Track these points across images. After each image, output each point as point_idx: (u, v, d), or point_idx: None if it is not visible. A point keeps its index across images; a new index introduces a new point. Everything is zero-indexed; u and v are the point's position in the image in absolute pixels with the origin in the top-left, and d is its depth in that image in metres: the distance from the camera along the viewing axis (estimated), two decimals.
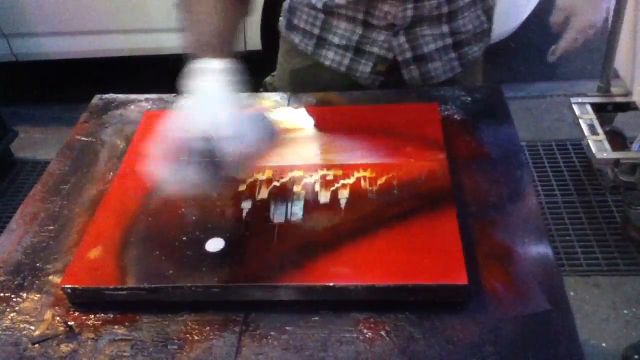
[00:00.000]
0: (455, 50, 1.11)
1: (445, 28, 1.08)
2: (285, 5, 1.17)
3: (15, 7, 2.63)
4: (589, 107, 1.98)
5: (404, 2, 1.01)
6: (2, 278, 0.81)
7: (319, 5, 1.07)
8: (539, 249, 0.78)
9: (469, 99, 1.06)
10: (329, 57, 1.11)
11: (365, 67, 1.10)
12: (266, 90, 1.27)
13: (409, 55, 1.08)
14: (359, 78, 1.11)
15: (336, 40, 1.09)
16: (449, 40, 1.09)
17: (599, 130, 1.88)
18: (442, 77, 1.12)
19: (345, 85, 1.12)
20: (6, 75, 2.87)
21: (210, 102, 0.75)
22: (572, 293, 1.75)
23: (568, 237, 1.94)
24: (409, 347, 0.68)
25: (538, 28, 3.00)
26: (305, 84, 1.15)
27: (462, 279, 0.71)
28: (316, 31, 1.11)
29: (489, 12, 1.14)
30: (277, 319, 0.73)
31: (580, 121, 1.93)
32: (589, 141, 1.86)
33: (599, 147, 1.83)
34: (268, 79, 1.23)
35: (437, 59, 1.10)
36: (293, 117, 1.02)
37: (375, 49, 1.08)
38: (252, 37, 2.60)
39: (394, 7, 1.02)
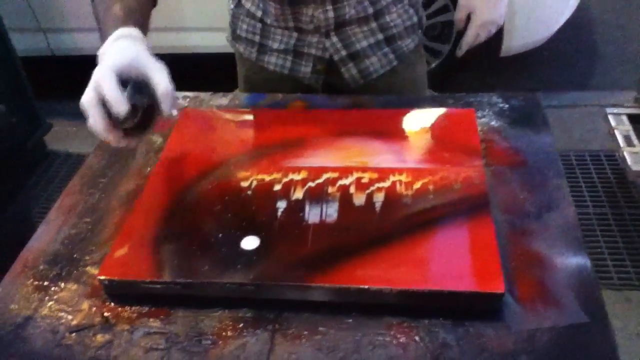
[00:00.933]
0: (388, 45, 1.16)
1: (374, 24, 1.13)
2: (229, 17, 1.23)
3: (53, 3, 2.68)
4: (625, 118, 1.95)
5: (323, 4, 1.07)
6: (41, 267, 0.82)
7: (258, 14, 1.14)
8: (576, 260, 0.77)
9: (506, 105, 1.05)
10: (272, 61, 1.18)
11: (306, 68, 1.16)
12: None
13: (343, 53, 1.14)
14: (303, 79, 1.18)
15: (276, 45, 1.16)
16: (380, 36, 1.14)
17: (636, 142, 1.85)
18: (381, 71, 1.17)
19: (292, 86, 1.17)
20: (42, 69, 2.92)
21: (127, 49, 0.78)
22: None
23: (599, 250, 1.91)
24: (442, 354, 0.68)
25: (571, 37, 2.97)
26: (257, 87, 1.22)
27: (498, 287, 0.70)
28: (257, 39, 1.18)
29: (416, 6, 1.19)
30: (309, 319, 0.73)
31: (616, 132, 1.90)
32: (625, 153, 1.83)
33: (634, 159, 1.80)
34: (236, 91, 1.29)
35: (371, 54, 1.15)
36: (328, 119, 1.02)
37: (312, 51, 1.14)
38: None
39: (316, 10, 1.08)
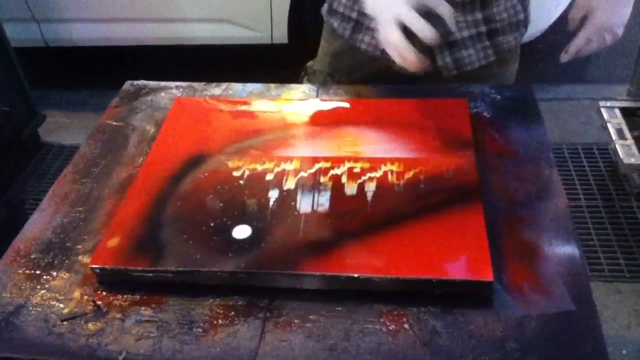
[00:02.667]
0: (489, 39, 1.11)
1: (478, 15, 1.08)
2: None
3: None
4: (617, 112, 1.96)
5: None
6: (33, 256, 0.83)
7: None
8: (566, 249, 0.78)
9: (499, 96, 1.05)
10: (365, 40, 1.14)
11: None
12: (306, 75, 1.31)
13: (441, 41, 1.08)
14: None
15: (372, 24, 1.10)
16: (482, 28, 1.09)
17: (628, 135, 1.86)
18: (476, 64, 1.12)
19: (379, 69, 1.13)
20: (36, 60, 2.91)
21: None
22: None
23: (591, 242, 1.92)
24: (431, 341, 0.68)
25: (567, 30, 2.96)
26: (343, 66, 1.19)
27: (487, 275, 0.71)
28: (354, 15, 1.13)
29: (524, 2, 1.13)
30: (300, 306, 0.73)
31: (609, 125, 1.91)
32: (617, 145, 1.84)
33: (626, 151, 1.81)
34: (309, 63, 1.27)
35: (470, 46, 1.10)
36: (320, 109, 1.02)
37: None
38: (279, 30, 2.61)
39: None
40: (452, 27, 0.84)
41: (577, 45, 1.09)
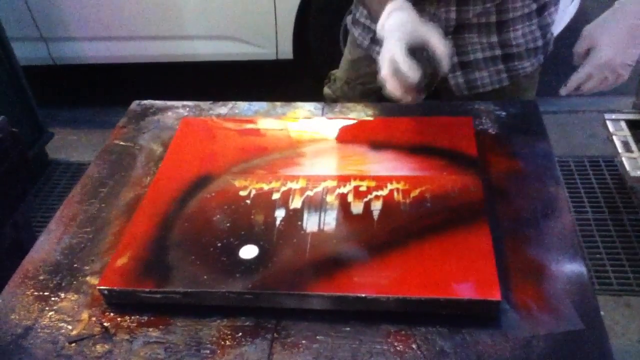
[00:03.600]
0: (504, 63, 1.09)
1: (494, 38, 1.07)
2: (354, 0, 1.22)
3: (54, 11, 2.70)
4: (623, 124, 1.95)
5: (447, 4, 1.03)
6: (41, 277, 0.83)
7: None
8: (573, 267, 0.77)
9: (504, 113, 1.05)
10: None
11: None
12: (329, 81, 1.34)
13: (455, 59, 1.09)
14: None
15: None
16: (497, 51, 1.08)
17: (634, 147, 1.85)
18: (489, 87, 1.11)
19: None
20: (44, 78, 2.94)
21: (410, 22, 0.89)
22: (602, 313, 1.71)
23: (599, 256, 1.91)
24: None
25: (570, 43, 2.97)
26: (360, 74, 1.21)
27: (495, 295, 0.70)
28: (374, 26, 1.12)
29: (545, 29, 1.10)
30: (308, 327, 0.73)
31: (614, 138, 1.90)
32: (623, 158, 1.83)
33: (633, 164, 1.80)
34: (334, 70, 1.32)
35: (483, 68, 1.09)
36: (325, 127, 1.03)
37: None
38: (284, 46, 2.63)
39: (439, 8, 1.04)
40: (445, 68, 0.88)
41: (576, 80, 1.04)
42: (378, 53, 1.13)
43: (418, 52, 0.87)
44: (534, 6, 1.08)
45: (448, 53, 0.87)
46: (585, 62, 1.02)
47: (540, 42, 1.11)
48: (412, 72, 0.86)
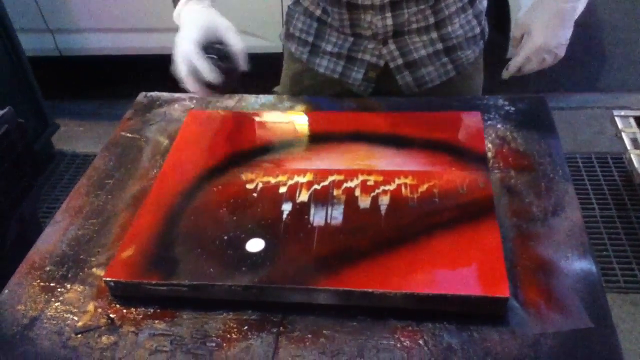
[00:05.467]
0: (447, 55, 1.12)
1: (434, 34, 1.09)
2: (285, 15, 1.21)
3: (61, 3, 2.69)
4: (632, 121, 1.94)
5: (382, 11, 1.04)
6: (47, 268, 0.83)
7: (317, 13, 1.11)
8: (582, 265, 0.77)
9: (513, 108, 1.05)
10: (323, 64, 1.15)
11: (357, 74, 1.12)
12: None
13: (400, 61, 1.10)
14: (352, 85, 1.15)
15: (329, 48, 1.13)
16: (439, 46, 1.10)
17: None
18: (437, 81, 1.14)
19: (339, 91, 1.15)
20: (50, 70, 2.94)
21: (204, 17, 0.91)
22: None
23: (606, 253, 1.90)
24: (446, 358, 0.68)
25: (579, 39, 2.95)
26: (303, 88, 1.20)
27: (503, 292, 0.70)
28: (311, 39, 1.15)
29: (479, 17, 1.14)
30: (314, 322, 0.73)
31: (623, 134, 1.89)
32: (631, 155, 1.82)
33: None
34: (276, 88, 1.29)
35: (429, 64, 1.11)
36: (333, 121, 1.02)
37: (367, 57, 1.11)
38: (273, 40, 2.62)
39: (374, 16, 1.05)
40: (242, 65, 0.91)
41: (515, 64, 1.09)
42: (319, 65, 1.16)
43: (212, 48, 0.89)
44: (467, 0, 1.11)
45: (243, 49, 0.90)
46: (521, 47, 1.07)
47: (477, 30, 1.14)
48: (208, 71, 0.87)
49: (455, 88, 1.15)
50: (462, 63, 1.13)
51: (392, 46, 1.08)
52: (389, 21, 1.05)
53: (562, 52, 1.07)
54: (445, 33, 1.09)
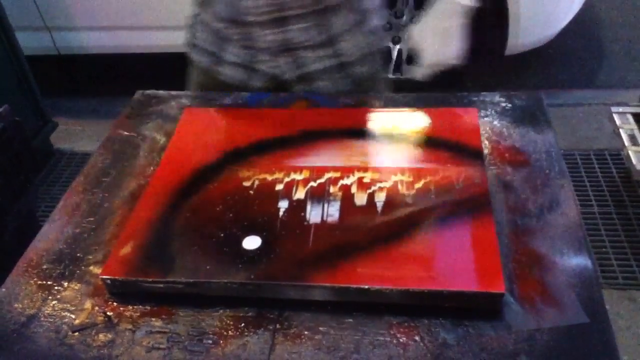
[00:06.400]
0: (342, 70, 1.12)
1: (328, 51, 1.10)
2: (188, 25, 1.22)
3: (59, 1, 2.69)
4: (630, 117, 1.94)
5: (270, 27, 1.06)
6: (44, 266, 0.83)
7: (217, 26, 1.13)
8: (579, 261, 0.77)
9: (509, 105, 1.05)
10: (226, 73, 1.17)
11: (258, 83, 1.15)
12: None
13: (294, 75, 1.13)
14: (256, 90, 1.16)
15: (231, 58, 1.15)
16: (333, 61, 1.12)
17: None
18: (333, 91, 1.14)
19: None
20: (48, 68, 2.94)
21: None
22: (607, 306, 1.71)
23: (604, 249, 1.90)
24: (442, 354, 0.68)
25: (577, 35, 2.95)
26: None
27: (499, 287, 0.70)
28: (214, 49, 1.16)
29: (372, 35, 1.14)
30: (310, 318, 0.73)
31: (621, 131, 1.89)
32: (630, 152, 1.82)
33: (639, 158, 1.79)
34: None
35: (324, 78, 1.13)
36: (329, 118, 1.02)
37: (264, 68, 1.13)
38: None
39: (263, 31, 1.07)
40: None
41: (420, 75, 1.08)
42: (221, 74, 1.15)
43: None
44: (357, 18, 1.11)
45: None
46: (418, 64, 1.07)
47: (374, 47, 1.15)
48: None
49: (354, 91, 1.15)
50: (358, 78, 1.14)
51: (288, 59, 1.11)
52: (279, 36, 1.07)
53: (460, 61, 1.06)
54: (338, 49, 1.11)
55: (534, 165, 0.92)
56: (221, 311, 0.75)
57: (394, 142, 0.95)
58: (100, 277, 0.78)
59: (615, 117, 1.96)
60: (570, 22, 2.65)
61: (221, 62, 1.17)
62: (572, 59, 2.87)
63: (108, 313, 0.76)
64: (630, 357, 1.61)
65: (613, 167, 2.20)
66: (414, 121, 0.99)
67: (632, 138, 1.88)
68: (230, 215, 0.84)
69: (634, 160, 1.80)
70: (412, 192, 0.84)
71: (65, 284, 0.80)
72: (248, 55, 1.13)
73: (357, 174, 0.88)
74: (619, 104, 2.05)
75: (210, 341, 0.72)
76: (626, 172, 2.10)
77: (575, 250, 0.78)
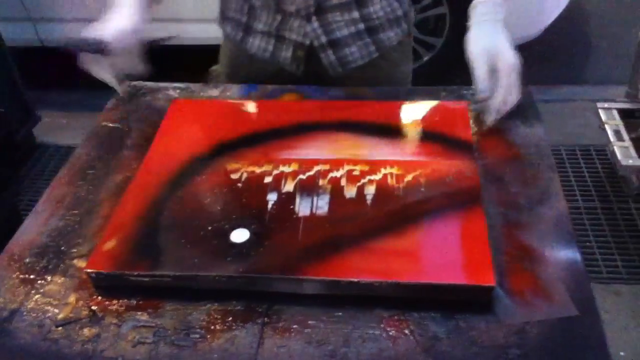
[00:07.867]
0: (369, 36, 1.14)
1: (356, 14, 1.11)
2: None
3: None
4: (615, 113, 1.95)
5: None
6: (27, 260, 0.81)
7: None
8: (568, 254, 0.77)
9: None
10: (255, 44, 1.16)
11: (286, 53, 1.14)
12: (210, 78, 1.32)
13: (323, 40, 1.12)
14: (283, 64, 1.16)
15: (260, 27, 1.14)
16: (361, 26, 1.13)
17: (625, 136, 1.85)
18: (360, 62, 1.16)
19: (273, 72, 1.16)
20: (32, 60, 2.89)
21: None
22: None
23: (588, 244, 1.92)
24: (433, 347, 0.68)
25: (564, 32, 2.96)
26: (239, 70, 1.22)
27: (488, 280, 0.70)
28: (244, 19, 1.16)
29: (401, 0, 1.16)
30: (300, 312, 0.72)
31: (607, 127, 1.90)
32: (615, 147, 1.83)
33: (624, 153, 1.80)
34: (214, 67, 1.28)
35: (351, 43, 1.14)
36: (319, 110, 1.01)
37: (293, 35, 1.12)
38: None
39: None
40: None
41: (491, 120, 0.97)
42: (252, 46, 1.16)
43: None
44: None
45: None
46: (488, 107, 0.97)
47: (400, 12, 1.16)
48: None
49: (382, 72, 1.18)
50: (384, 45, 1.16)
51: (316, 24, 1.11)
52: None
53: (518, 100, 0.97)
54: (366, 13, 1.12)
55: (524, 159, 0.92)
56: (209, 305, 0.74)
57: (384, 134, 0.94)
58: (85, 270, 0.76)
59: (601, 112, 1.97)
60: (558, 19, 2.66)
61: (251, 32, 1.16)
62: (559, 55, 2.88)
63: (93, 307, 0.75)
64: (615, 350, 1.62)
65: (598, 163, 2.22)
66: (404, 114, 0.99)
67: (617, 134, 1.89)
68: (218, 208, 0.82)
69: (619, 156, 1.81)
70: (402, 185, 0.84)
71: (49, 277, 0.79)
72: (277, 22, 1.11)
73: (347, 167, 0.87)
74: (604, 100, 2.06)
75: (197, 335, 0.71)
76: (611, 168, 2.11)
77: (565, 244, 0.78)
